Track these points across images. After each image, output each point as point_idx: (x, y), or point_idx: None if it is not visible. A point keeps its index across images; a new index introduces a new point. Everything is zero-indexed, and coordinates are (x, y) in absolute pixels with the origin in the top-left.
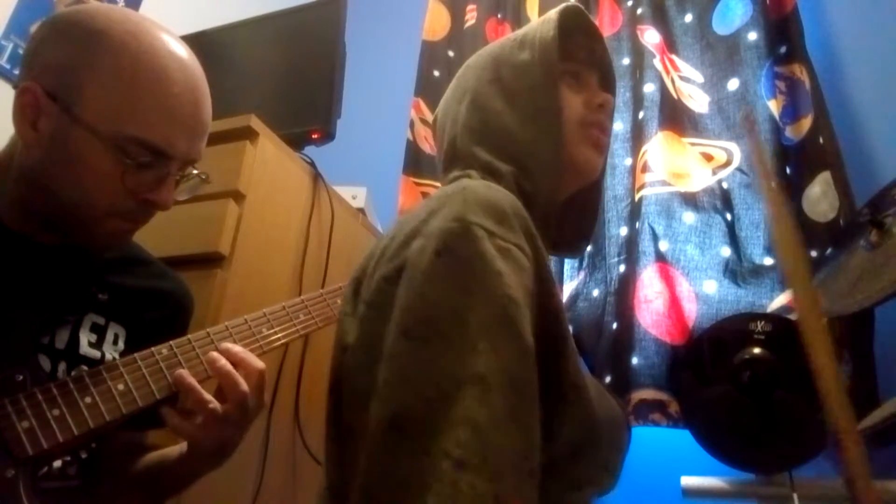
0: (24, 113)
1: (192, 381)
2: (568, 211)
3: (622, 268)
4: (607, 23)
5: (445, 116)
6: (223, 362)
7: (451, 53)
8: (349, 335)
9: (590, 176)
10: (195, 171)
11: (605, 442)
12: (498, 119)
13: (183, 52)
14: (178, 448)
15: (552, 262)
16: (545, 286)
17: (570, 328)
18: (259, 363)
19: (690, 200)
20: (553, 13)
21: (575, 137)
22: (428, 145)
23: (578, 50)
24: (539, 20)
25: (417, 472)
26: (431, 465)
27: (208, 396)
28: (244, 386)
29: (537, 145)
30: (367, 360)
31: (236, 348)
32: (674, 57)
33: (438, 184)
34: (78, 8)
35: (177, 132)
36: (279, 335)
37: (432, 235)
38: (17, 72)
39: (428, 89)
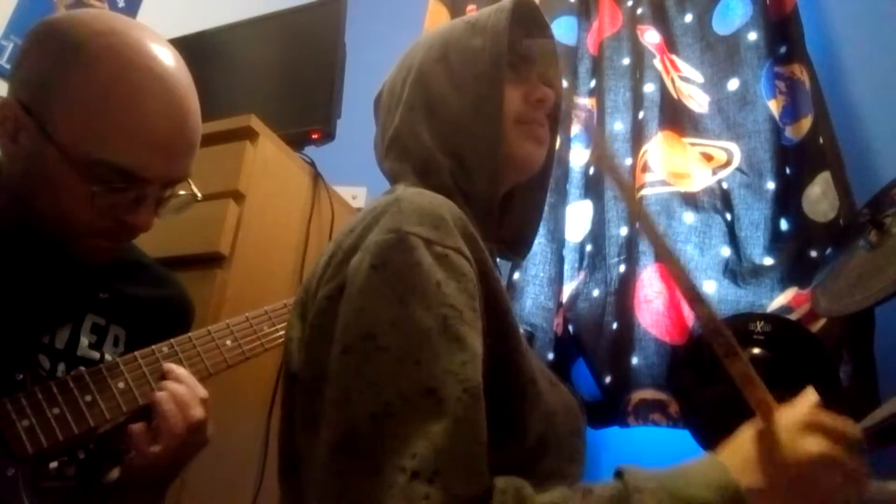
0: (5, 126)
1: (170, 406)
2: (510, 208)
3: (622, 268)
4: (607, 23)
5: (391, 96)
6: (170, 405)
7: None
8: (295, 362)
9: (530, 170)
10: (182, 192)
11: (564, 431)
12: (441, 103)
13: (167, 64)
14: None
15: (551, 264)
16: (491, 285)
17: (521, 328)
18: (201, 391)
19: (690, 200)
20: (507, 2)
21: (512, 133)
22: None
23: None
24: (493, 7)
25: (367, 493)
26: (383, 483)
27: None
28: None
29: (477, 139)
30: (314, 382)
31: (178, 388)
32: (674, 57)
33: None
34: (60, 17)
35: (152, 155)
36: (281, 332)
37: (368, 250)
38: None
39: None
